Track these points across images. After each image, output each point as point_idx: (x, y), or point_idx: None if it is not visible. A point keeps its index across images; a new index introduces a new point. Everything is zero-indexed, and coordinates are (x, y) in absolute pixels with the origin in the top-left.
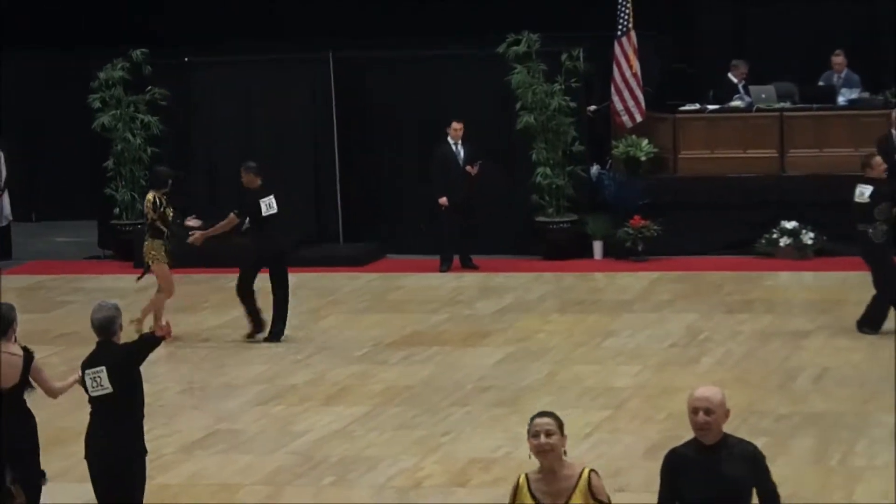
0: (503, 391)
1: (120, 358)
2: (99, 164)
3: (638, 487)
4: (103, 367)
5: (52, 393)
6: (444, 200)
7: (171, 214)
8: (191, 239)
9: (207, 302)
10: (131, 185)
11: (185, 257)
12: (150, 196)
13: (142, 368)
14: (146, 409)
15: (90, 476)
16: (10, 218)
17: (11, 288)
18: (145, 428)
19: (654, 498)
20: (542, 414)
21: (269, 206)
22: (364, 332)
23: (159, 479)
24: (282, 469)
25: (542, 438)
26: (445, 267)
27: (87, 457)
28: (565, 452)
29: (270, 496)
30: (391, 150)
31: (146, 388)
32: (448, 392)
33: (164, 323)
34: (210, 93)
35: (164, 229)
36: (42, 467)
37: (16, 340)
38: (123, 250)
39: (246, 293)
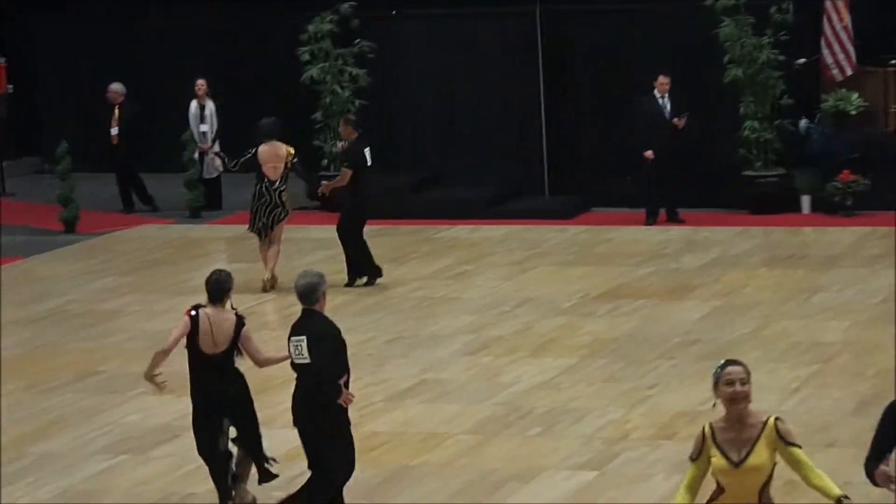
0: (709, 345)
1: (322, 337)
2: (307, 117)
3: (847, 443)
4: (304, 338)
5: (259, 362)
6: (649, 153)
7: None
8: (321, 189)
9: (416, 252)
10: (339, 137)
11: (391, 210)
12: (290, 148)
13: (351, 318)
14: (354, 359)
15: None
16: (221, 169)
17: (221, 237)
18: (353, 377)
19: (864, 453)
20: (732, 362)
21: (370, 156)
22: (570, 284)
23: (369, 426)
24: (489, 419)
25: (738, 387)
26: (651, 220)
27: (293, 420)
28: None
29: (478, 445)
30: (596, 102)
31: (355, 337)
32: (654, 345)
33: None
34: (416, 45)
35: None
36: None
37: (233, 307)
38: (329, 202)
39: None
